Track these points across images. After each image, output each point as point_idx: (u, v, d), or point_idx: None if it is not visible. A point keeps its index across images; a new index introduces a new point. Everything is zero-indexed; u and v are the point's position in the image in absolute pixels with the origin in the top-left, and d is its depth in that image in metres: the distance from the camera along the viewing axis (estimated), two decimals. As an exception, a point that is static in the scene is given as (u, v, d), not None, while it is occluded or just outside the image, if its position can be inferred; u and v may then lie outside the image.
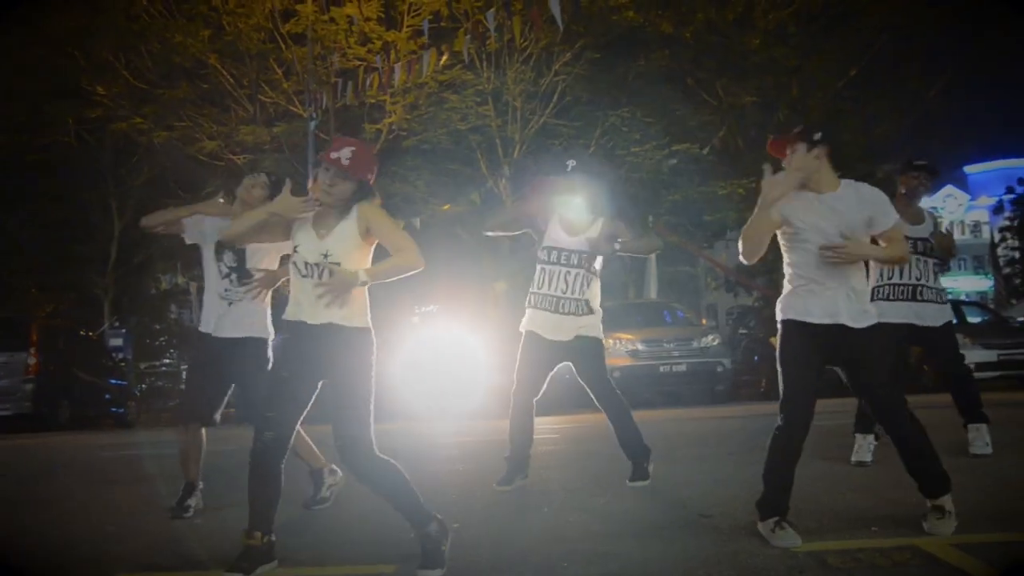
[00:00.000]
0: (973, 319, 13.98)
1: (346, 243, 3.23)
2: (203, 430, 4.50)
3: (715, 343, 12.22)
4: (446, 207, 17.03)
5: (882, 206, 3.50)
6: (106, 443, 9.31)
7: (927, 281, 5.14)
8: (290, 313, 3.29)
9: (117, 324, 20.67)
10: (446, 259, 17.41)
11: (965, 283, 41.34)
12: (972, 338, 12.40)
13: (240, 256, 4.36)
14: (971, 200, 46.06)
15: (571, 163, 4.68)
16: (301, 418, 3.28)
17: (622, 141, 17.40)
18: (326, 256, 3.21)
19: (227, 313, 4.35)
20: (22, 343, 11.57)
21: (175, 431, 4.57)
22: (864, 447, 5.10)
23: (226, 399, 4.54)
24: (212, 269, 4.40)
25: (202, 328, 4.44)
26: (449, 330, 12.28)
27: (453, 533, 3.73)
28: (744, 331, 17.47)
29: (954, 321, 5.33)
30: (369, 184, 3.28)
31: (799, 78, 18.65)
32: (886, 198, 3.55)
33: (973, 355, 12.11)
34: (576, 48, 16.56)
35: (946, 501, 3.41)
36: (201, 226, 4.46)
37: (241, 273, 4.36)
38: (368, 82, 14.28)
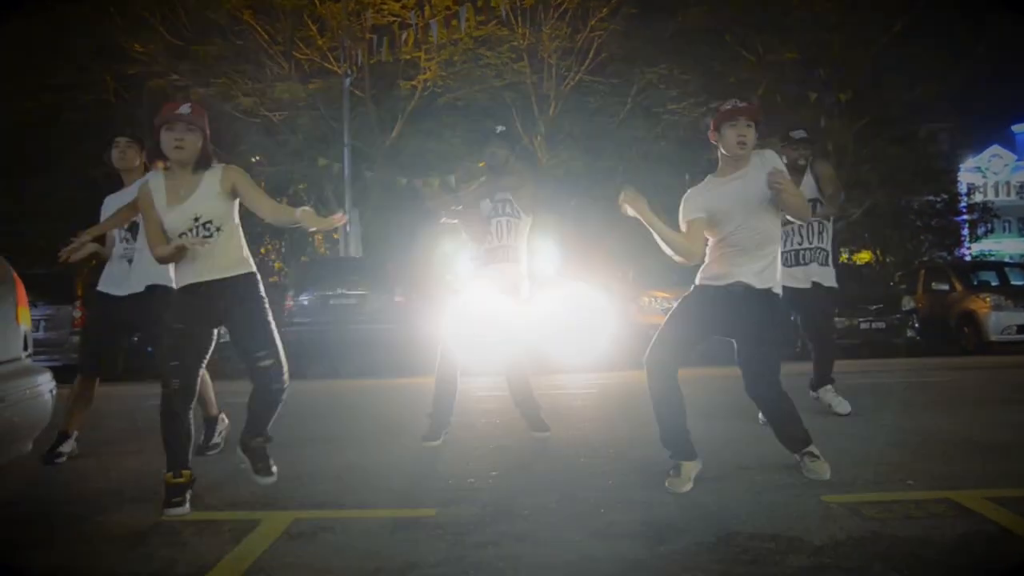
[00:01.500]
0: (1016, 282, 13.72)
1: (208, 203, 3.43)
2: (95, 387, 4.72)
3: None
4: (481, 164, 16.97)
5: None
6: (148, 393, 9.53)
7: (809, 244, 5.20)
8: (176, 280, 3.49)
9: (158, 278, 21.05)
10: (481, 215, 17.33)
11: (1010, 245, 40.42)
12: (1014, 301, 12.21)
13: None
14: (1018, 160, 44.81)
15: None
16: (203, 366, 3.54)
17: (659, 98, 17.19)
18: (197, 219, 3.41)
19: (131, 272, 4.61)
20: (68, 297, 11.85)
21: (75, 384, 4.71)
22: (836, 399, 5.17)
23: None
24: (113, 235, 4.67)
25: (104, 289, 4.69)
26: (489, 292, 12.30)
27: (491, 480, 3.82)
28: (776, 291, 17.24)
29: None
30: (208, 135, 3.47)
31: (841, 34, 18.19)
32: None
33: (1015, 317, 11.97)
34: (613, 3, 16.31)
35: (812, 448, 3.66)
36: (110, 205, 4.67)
37: (136, 229, 4.60)
38: (403, 38, 14.21)
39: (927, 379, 7.52)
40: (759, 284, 3.65)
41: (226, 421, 4.81)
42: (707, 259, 3.79)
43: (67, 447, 4.64)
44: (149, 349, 14.52)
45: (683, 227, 3.75)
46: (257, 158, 18.35)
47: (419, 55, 15.98)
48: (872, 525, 2.92)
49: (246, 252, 3.56)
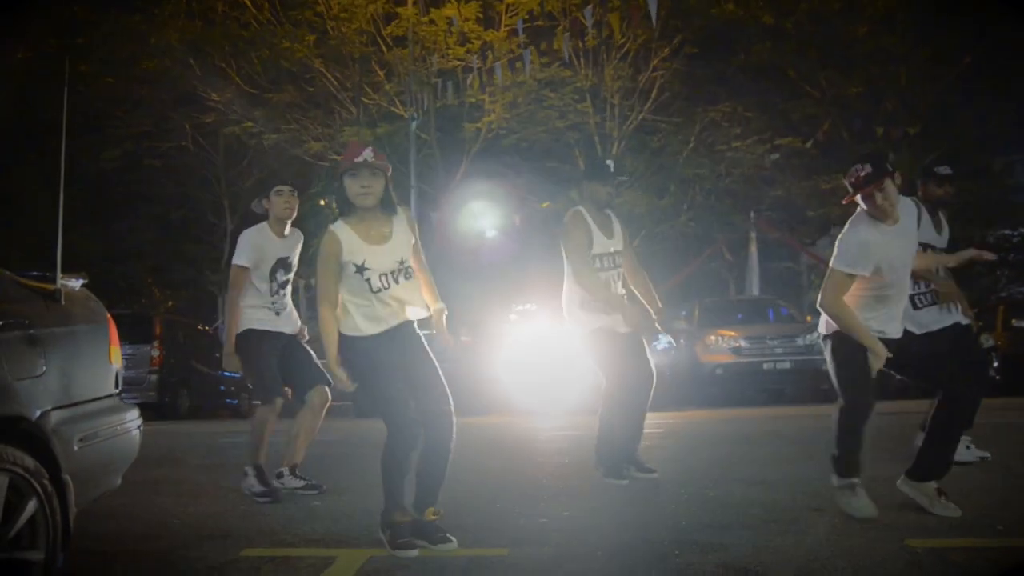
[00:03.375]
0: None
1: (406, 246, 3.46)
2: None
3: (820, 340, 11.90)
4: (545, 204, 17.14)
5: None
6: (223, 431, 9.78)
7: None
8: (365, 329, 3.41)
9: (230, 320, 21.64)
10: (544, 257, 17.49)
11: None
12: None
13: (288, 272, 4.77)
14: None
15: (611, 163, 4.96)
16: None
17: (722, 136, 17.14)
18: (402, 262, 3.43)
19: (279, 320, 4.73)
20: (147, 337, 12.27)
21: (263, 412, 4.73)
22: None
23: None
24: (263, 285, 4.69)
25: (255, 327, 4.70)
26: (548, 327, 12.35)
27: (562, 521, 3.81)
28: (850, 329, 16.86)
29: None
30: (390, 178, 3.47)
31: (908, 67, 17.90)
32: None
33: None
34: (674, 43, 16.40)
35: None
36: (260, 252, 4.69)
37: (286, 286, 4.77)
38: (468, 82, 14.49)
39: (1011, 420, 7.24)
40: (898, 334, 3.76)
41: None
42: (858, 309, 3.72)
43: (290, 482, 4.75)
44: (221, 387, 14.93)
45: (856, 271, 3.63)
46: (324, 201, 18.83)
47: (483, 98, 16.27)
48: (960, 572, 2.82)
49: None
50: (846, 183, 3.69)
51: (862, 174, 3.59)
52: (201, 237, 21.08)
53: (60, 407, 2.70)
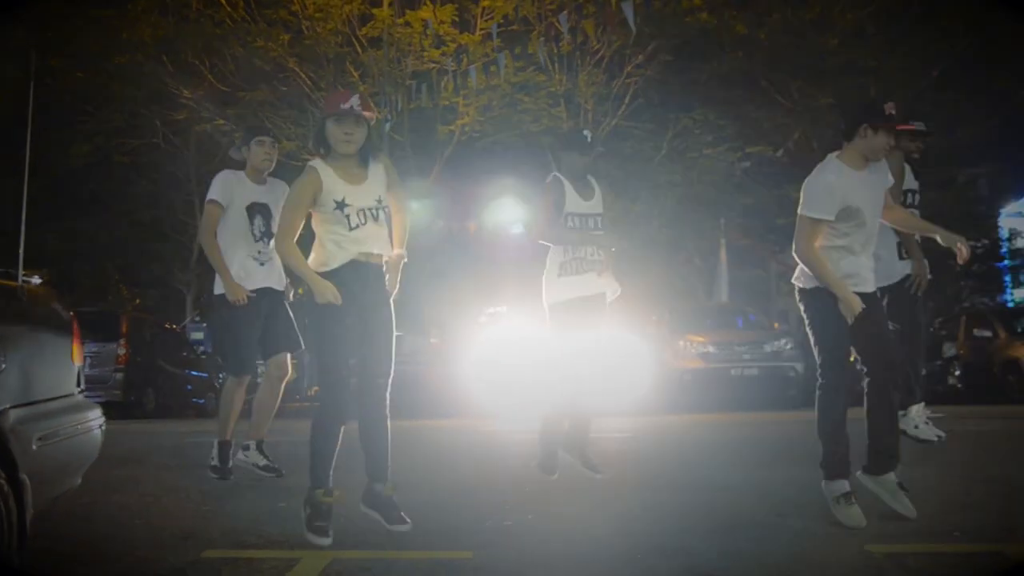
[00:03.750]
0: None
1: (383, 187, 3.56)
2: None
3: (788, 347, 12.02)
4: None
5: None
6: (189, 431, 9.67)
7: None
8: (332, 261, 3.48)
9: (198, 318, 21.39)
10: (517, 260, 17.51)
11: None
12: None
13: (268, 222, 4.68)
14: (1061, 206, 44.06)
15: (588, 133, 4.94)
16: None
17: (694, 143, 17.29)
18: (379, 201, 3.53)
19: (261, 271, 4.68)
20: (113, 335, 12.12)
21: (230, 386, 4.70)
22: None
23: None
24: (242, 230, 4.64)
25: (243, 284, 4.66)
26: (518, 329, 12.36)
27: (528, 525, 3.82)
28: (817, 337, 17.10)
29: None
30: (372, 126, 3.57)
31: (878, 79, 18.18)
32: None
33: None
34: (648, 50, 16.51)
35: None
36: (232, 191, 4.67)
37: (268, 234, 4.67)
38: (442, 84, 14.48)
39: (971, 428, 7.36)
40: (871, 288, 3.73)
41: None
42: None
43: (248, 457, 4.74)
44: (188, 387, 14.75)
45: (821, 215, 3.62)
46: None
47: (458, 100, 16.26)
48: (917, 577, 2.87)
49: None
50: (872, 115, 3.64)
51: (892, 111, 3.62)
52: (170, 235, 20.84)
53: (19, 405, 2.66)
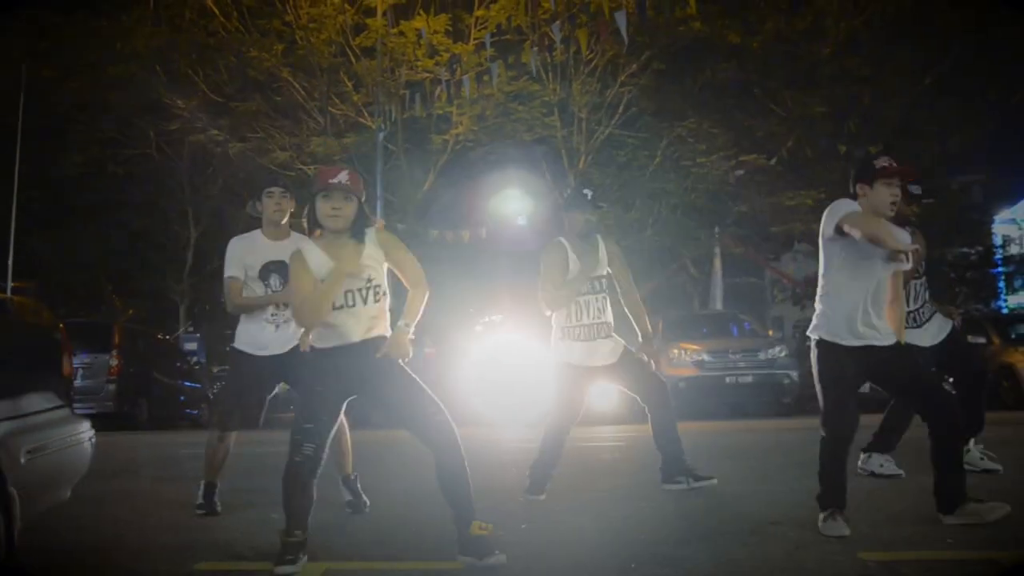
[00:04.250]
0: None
1: (377, 265, 3.42)
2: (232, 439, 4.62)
3: (782, 355, 12.03)
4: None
5: None
6: (182, 442, 9.64)
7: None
8: (325, 340, 3.40)
9: (192, 329, 21.36)
10: (511, 268, 17.51)
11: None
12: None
13: (285, 278, 4.43)
14: (1053, 213, 44.21)
15: (589, 192, 4.85)
16: (334, 430, 3.45)
17: (688, 152, 17.32)
18: (369, 281, 3.39)
19: (274, 336, 4.48)
20: (105, 345, 12.07)
21: (211, 439, 4.62)
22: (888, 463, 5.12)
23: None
24: (257, 293, 4.49)
25: (245, 349, 4.51)
26: (514, 339, 12.36)
27: (521, 534, 3.80)
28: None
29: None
30: (363, 201, 3.45)
31: (871, 88, 18.27)
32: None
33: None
34: (642, 59, 16.56)
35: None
36: (243, 260, 4.53)
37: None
38: (436, 94, 14.51)
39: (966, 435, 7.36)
40: (887, 341, 3.73)
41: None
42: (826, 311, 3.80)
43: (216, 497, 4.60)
44: (182, 398, 14.70)
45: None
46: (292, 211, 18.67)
47: (451, 110, 16.29)
48: (910, 585, 2.87)
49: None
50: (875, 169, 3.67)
51: (884, 163, 3.65)
52: (165, 245, 20.81)
53: (7, 419, 2.65)
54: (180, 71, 16.50)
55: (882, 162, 3.68)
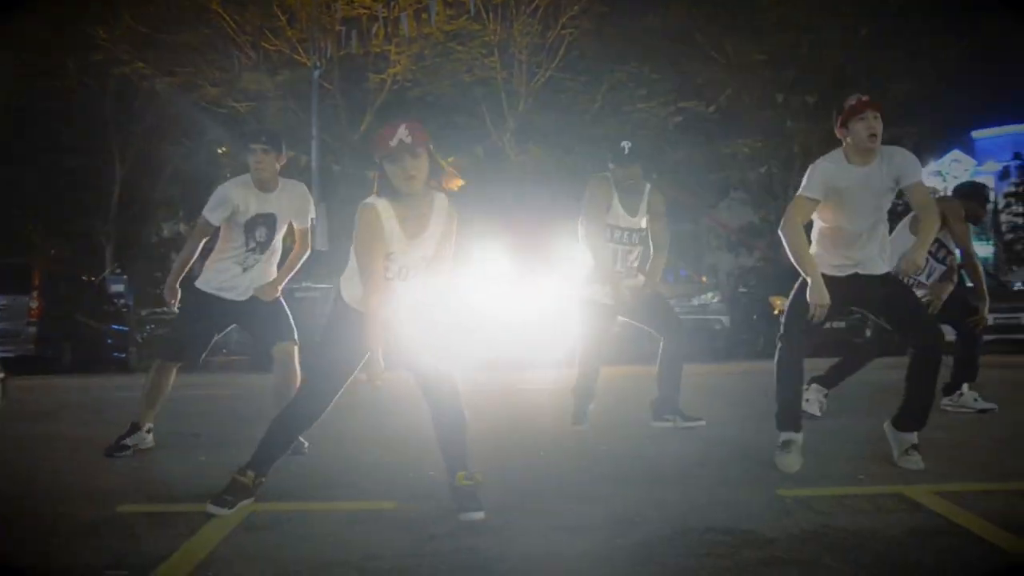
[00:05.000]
0: (970, 284, 13.99)
1: (436, 241, 3.21)
2: (174, 374, 4.52)
3: (714, 301, 12.30)
4: (449, 160, 16.96)
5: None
6: (107, 385, 9.42)
7: None
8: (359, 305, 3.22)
9: (119, 271, 20.72)
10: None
11: (967, 248, 41.21)
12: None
13: (272, 232, 4.39)
14: (977, 166, 45.69)
15: (626, 145, 4.69)
16: (347, 382, 3.32)
17: (628, 97, 17.30)
18: (424, 259, 3.20)
19: (240, 279, 4.39)
20: (25, 287, 11.64)
21: (153, 369, 4.54)
22: (814, 399, 5.28)
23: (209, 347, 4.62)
24: (237, 239, 4.36)
25: (205, 288, 4.41)
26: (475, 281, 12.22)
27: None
28: (744, 290, 17.52)
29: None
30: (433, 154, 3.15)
31: (810, 37, 18.41)
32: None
33: (971, 318, 12.20)
34: (584, 1, 16.36)
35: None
36: (232, 203, 4.32)
37: (267, 247, 4.40)
38: (373, 31, 14.12)
39: (884, 378, 7.64)
40: (878, 271, 3.82)
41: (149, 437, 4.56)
42: (817, 245, 3.90)
43: (134, 440, 4.46)
44: (109, 340, 14.31)
45: (807, 193, 3.76)
46: (223, 149, 18.15)
47: (389, 49, 15.90)
48: (824, 519, 2.97)
49: None
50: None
51: (853, 102, 3.73)
52: (87, 183, 20.00)
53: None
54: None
55: (850, 101, 3.77)
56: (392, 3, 15.21)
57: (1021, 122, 42.29)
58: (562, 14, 16.50)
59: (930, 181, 31.58)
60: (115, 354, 14.45)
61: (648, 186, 4.82)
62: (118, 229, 20.51)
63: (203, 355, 4.60)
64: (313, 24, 15.63)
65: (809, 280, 3.70)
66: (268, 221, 4.36)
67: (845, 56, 18.71)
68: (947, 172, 42.97)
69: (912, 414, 3.78)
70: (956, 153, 45.12)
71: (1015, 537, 2.70)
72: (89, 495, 3.57)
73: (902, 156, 3.77)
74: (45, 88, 17.15)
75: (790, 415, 3.82)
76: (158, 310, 24.38)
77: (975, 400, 5.38)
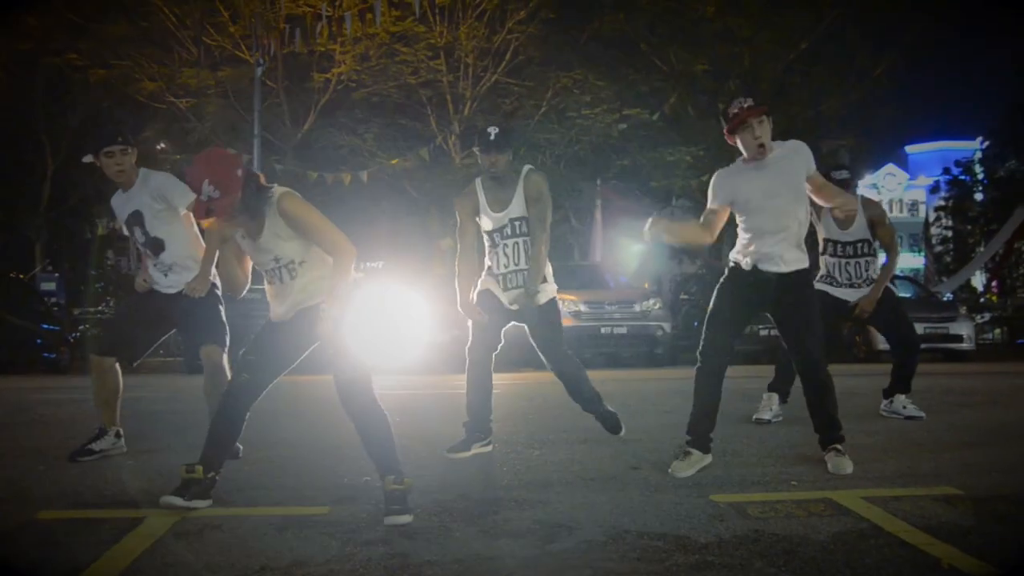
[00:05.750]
0: (904, 293, 14.43)
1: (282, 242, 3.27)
2: (118, 371, 4.38)
3: (656, 307, 12.40)
4: (394, 161, 16.86)
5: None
6: (32, 387, 9.11)
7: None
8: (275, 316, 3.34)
9: (50, 268, 20.06)
10: (392, 214, 17.25)
11: (900, 260, 42.55)
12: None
13: (141, 225, 4.24)
14: (910, 180, 47.11)
15: (493, 131, 4.25)
16: (282, 373, 3.36)
17: (573, 103, 17.40)
18: (277, 260, 3.28)
19: (165, 282, 4.30)
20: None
21: (90, 364, 4.40)
22: (767, 406, 5.40)
23: (152, 348, 4.49)
24: (135, 245, 4.40)
25: (140, 288, 4.34)
26: (393, 286, 12.21)
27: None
28: (686, 297, 17.75)
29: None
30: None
31: (751, 49, 18.78)
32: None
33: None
34: (531, 6, 16.44)
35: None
36: (114, 212, 4.34)
37: (150, 244, 4.27)
38: (318, 29, 13.96)
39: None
40: (785, 268, 3.84)
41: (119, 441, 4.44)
42: (738, 241, 3.96)
43: (101, 444, 4.31)
44: (38, 340, 13.83)
45: (710, 205, 3.92)
46: (162, 146, 17.71)
47: (334, 48, 15.73)
48: (756, 524, 3.01)
49: None
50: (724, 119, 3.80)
51: (735, 110, 3.72)
52: (15, 177, 19.30)
53: None
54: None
55: (732, 108, 3.76)
56: (337, 2, 15.05)
57: (952, 138, 43.80)
58: (509, 19, 16.53)
59: (867, 193, 32.43)
60: (45, 355, 13.96)
61: (525, 170, 4.36)
62: (49, 225, 19.86)
63: (142, 354, 4.47)
64: (257, 21, 15.37)
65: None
66: (137, 217, 4.24)
67: (785, 68, 19.15)
68: (882, 185, 44.25)
69: (821, 430, 3.93)
70: (891, 167, 46.47)
71: (939, 541, 2.77)
72: (7, 501, 3.44)
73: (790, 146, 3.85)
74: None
75: (693, 430, 3.90)
76: (91, 309, 23.74)
77: (904, 407, 5.51)
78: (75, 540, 2.89)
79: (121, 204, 4.31)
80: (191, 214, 4.18)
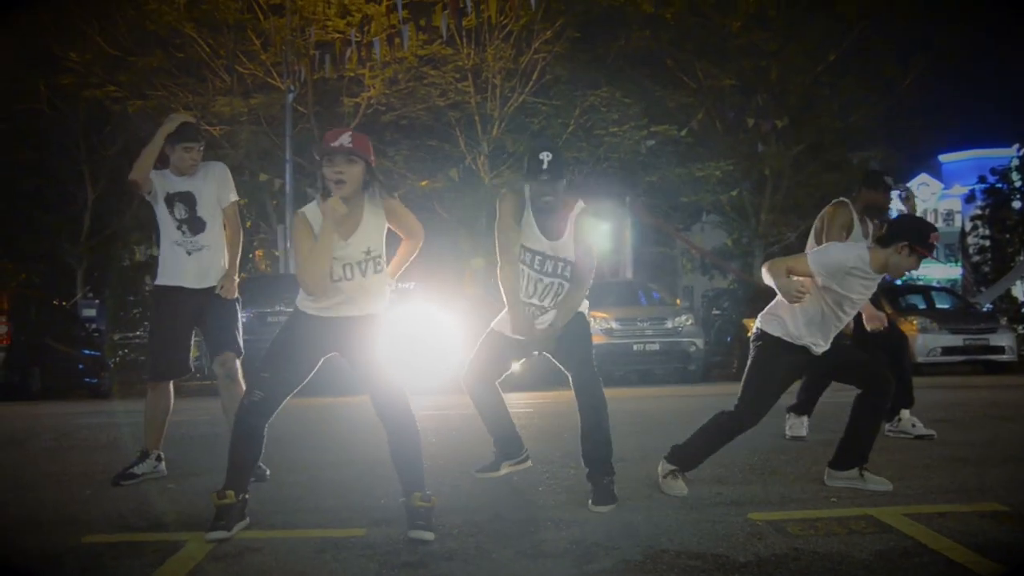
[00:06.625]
0: (942, 305, 14.21)
1: (377, 235, 3.36)
2: (171, 392, 4.46)
3: (688, 323, 12.34)
4: (424, 183, 17.00)
5: None
6: (76, 412, 9.27)
7: None
8: (308, 308, 3.36)
9: (91, 295, 20.45)
10: (429, 237, 17.28)
11: (936, 271, 41.89)
12: (940, 324, 12.62)
13: (191, 206, 4.41)
14: (944, 189, 46.47)
15: (546, 157, 3.70)
16: (296, 388, 3.37)
17: (600, 121, 17.45)
18: (368, 252, 3.32)
19: (188, 262, 4.39)
20: (-10, 311, 11.49)
21: (148, 394, 4.49)
22: (797, 424, 5.35)
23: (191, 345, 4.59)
24: (166, 221, 4.42)
25: (162, 282, 4.42)
26: (425, 307, 12.28)
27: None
28: (718, 312, 17.61)
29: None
30: (373, 164, 3.33)
31: (778, 62, 18.72)
32: None
33: (940, 339, 12.37)
34: (556, 26, 16.54)
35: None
36: (150, 183, 4.42)
37: (193, 223, 4.40)
38: (347, 55, 14.16)
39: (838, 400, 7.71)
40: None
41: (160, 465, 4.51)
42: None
43: (143, 468, 4.39)
44: (80, 366, 14.08)
45: (816, 271, 3.81)
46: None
47: (363, 72, 15.94)
48: (795, 542, 2.98)
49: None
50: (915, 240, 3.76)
51: (934, 241, 3.81)
52: (58, 207, 19.75)
53: None
54: (73, 22, 15.59)
55: (935, 239, 3.86)
56: (366, 28, 15.27)
57: (986, 146, 43.13)
58: (535, 39, 16.65)
59: (900, 203, 32.06)
60: (87, 380, 14.23)
61: (578, 209, 3.81)
62: (89, 253, 20.27)
63: (187, 358, 4.54)
64: (287, 48, 15.65)
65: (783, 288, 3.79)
66: (187, 199, 4.42)
67: (813, 80, 19.05)
68: (915, 195, 43.72)
69: (855, 452, 3.88)
70: (924, 177, 45.87)
71: (983, 558, 2.73)
72: (54, 525, 3.50)
73: None
74: (14, 111, 16.99)
75: (695, 460, 3.92)
76: (131, 335, 24.15)
77: (913, 426, 5.31)
78: (120, 564, 2.94)
79: (171, 182, 4.43)
80: (229, 215, 4.50)
